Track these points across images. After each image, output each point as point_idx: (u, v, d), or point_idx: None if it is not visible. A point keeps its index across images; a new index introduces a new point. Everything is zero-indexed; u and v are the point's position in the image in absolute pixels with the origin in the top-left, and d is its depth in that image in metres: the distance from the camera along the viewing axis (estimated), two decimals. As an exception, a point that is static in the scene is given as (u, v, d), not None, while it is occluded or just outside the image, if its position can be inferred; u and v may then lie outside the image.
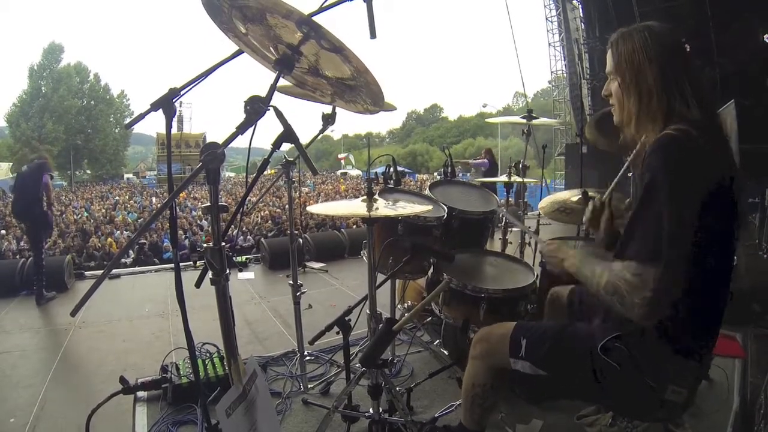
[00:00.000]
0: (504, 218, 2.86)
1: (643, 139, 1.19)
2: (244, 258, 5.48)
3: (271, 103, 0.97)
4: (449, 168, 2.80)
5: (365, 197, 1.63)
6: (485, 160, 7.80)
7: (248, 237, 10.37)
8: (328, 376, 2.42)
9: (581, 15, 11.88)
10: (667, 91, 1.10)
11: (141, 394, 2.22)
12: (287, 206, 2.47)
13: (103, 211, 15.67)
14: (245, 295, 4.16)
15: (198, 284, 1.12)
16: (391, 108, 2.28)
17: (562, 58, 13.81)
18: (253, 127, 0.96)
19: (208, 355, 2.43)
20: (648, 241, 1.03)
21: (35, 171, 4.13)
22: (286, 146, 1.08)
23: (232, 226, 1.25)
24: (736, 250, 1.13)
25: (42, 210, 4.08)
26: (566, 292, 1.60)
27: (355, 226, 8.60)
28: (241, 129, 0.94)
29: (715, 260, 1.05)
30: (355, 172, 35.66)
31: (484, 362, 1.40)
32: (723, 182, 1.02)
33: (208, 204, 0.97)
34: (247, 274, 4.92)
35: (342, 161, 41.48)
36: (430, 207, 1.85)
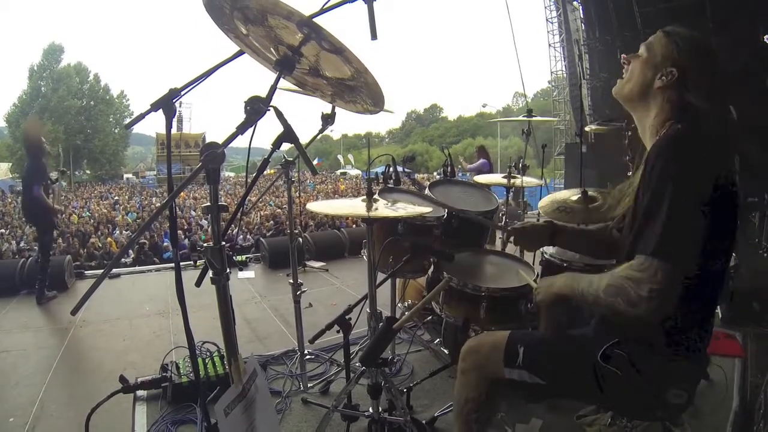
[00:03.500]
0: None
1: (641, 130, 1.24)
2: (244, 257, 5.48)
3: (271, 104, 0.97)
4: (449, 168, 2.81)
5: (365, 197, 1.64)
6: (484, 161, 7.01)
7: (248, 236, 10.38)
8: (328, 375, 2.42)
9: (582, 16, 11.88)
10: (685, 87, 1.13)
11: (141, 393, 2.23)
12: (286, 206, 2.48)
13: (104, 211, 15.67)
14: (245, 294, 4.16)
15: (198, 283, 1.12)
16: (388, 111, 2.28)
17: (562, 59, 13.81)
18: (253, 127, 0.96)
19: (208, 354, 2.43)
20: (656, 235, 1.01)
21: (26, 178, 4.12)
22: (285, 146, 1.08)
23: (232, 225, 1.25)
24: (733, 250, 1.14)
25: (42, 215, 4.06)
26: None
27: (354, 225, 8.60)
28: (241, 129, 0.94)
29: (717, 258, 1.06)
30: (354, 172, 35.65)
31: (475, 375, 1.34)
32: (728, 181, 1.04)
33: (208, 204, 0.98)
34: (248, 273, 4.92)
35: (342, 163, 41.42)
36: (429, 208, 1.85)
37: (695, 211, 0.99)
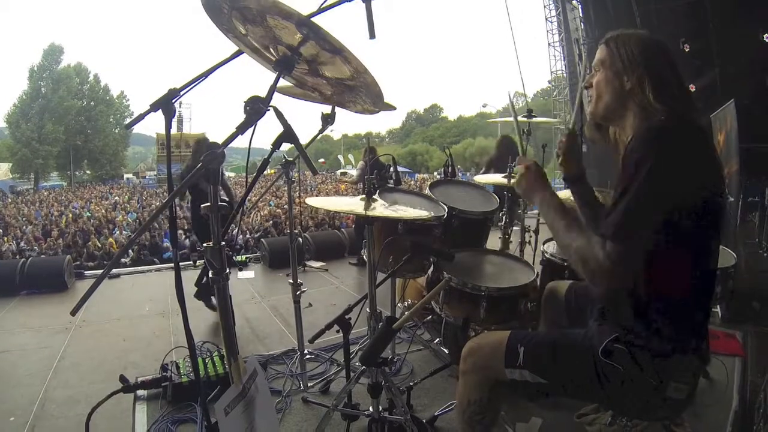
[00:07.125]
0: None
1: (622, 136, 1.27)
2: (243, 257, 5.49)
3: (271, 104, 0.97)
4: (449, 168, 2.82)
5: (364, 197, 1.64)
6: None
7: (247, 236, 10.40)
8: (328, 375, 2.43)
9: (581, 15, 11.89)
10: (653, 81, 1.14)
11: (141, 392, 2.23)
12: (286, 206, 2.48)
13: (103, 211, 15.70)
14: (245, 294, 4.15)
15: (198, 284, 1.12)
16: (390, 108, 2.28)
17: (562, 58, 13.84)
18: (253, 127, 0.96)
19: (208, 353, 2.43)
20: (615, 217, 1.05)
21: None
22: (285, 146, 1.09)
23: (232, 225, 1.25)
24: (718, 246, 1.16)
25: None
26: (564, 288, 1.60)
27: (354, 225, 8.58)
28: (241, 129, 0.94)
29: (690, 251, 1.08)
30: (354, 172, 35.56)
31: (476, 376, 1.34)
32: (704, 176, 1.06)
33: (208, 204, 0.98)
34: (247, 273, 4.91)
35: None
36: (427, 212, 1.84)
37: (659, 197, 1.02)
